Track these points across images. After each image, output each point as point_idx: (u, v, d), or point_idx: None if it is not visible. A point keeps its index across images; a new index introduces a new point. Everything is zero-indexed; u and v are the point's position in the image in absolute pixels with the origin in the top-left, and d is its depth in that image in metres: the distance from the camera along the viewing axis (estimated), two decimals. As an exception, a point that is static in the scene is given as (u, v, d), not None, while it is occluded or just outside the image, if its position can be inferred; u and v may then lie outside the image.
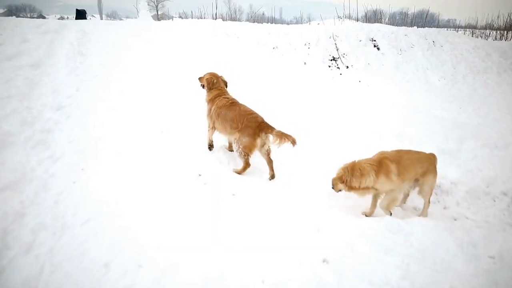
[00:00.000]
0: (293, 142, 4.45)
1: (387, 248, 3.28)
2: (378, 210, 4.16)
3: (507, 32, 17.29)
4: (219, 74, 5.29)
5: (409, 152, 4.13)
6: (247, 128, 4.51)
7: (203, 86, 5.26)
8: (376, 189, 3.94)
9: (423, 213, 4.15)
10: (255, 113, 4.73)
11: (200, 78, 5.29)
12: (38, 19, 12.11)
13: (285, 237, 3.32)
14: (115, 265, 2.85)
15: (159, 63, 8.21)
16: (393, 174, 3.84)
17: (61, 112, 5.52)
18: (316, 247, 3.20)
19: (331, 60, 11.93)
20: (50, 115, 5.36)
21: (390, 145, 5.58)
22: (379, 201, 4.10)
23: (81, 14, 14.33)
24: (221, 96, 4.96)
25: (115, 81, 6.80)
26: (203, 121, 5.19)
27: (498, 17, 19.55)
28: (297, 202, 4.01)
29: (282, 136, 4.47)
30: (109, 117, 5.46)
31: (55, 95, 6.01)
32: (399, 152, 4.07)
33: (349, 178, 3.87)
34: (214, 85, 5.08)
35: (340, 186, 3.96)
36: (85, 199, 3.63)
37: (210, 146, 5.08)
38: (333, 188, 4.05)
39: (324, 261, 3.06)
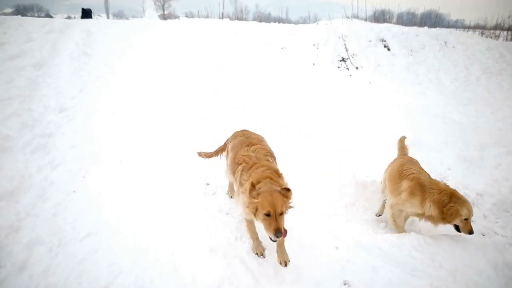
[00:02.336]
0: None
1: (414, 269, 2.99)
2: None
3: (519, 33, 16.86)
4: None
5: None
6: None
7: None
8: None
9: None
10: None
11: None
12: (44, 19, 11.94)
13: (302, 254, 3.04)
14: (116, 287, 2.59)
15: (165, 63, 7.96)
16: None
17: (63, 114, 5.28)
18: (336, 267, 2.92)
19: (340, 60, 11.63)
20: (51, 118, 5.11)
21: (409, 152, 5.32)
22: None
23: (87, 13, 14.15)
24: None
25: (120, 82, 6.56)
26: (212, 125, 4.90)
27: (509, 17, 19.04)
28: (313, 216, 3.72)
29: None
30: (112, 120, 5.22)
31: (58, 96, 5.78)
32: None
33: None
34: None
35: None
36: (86, 210, 3.38)
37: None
38: None
39: (345, 284, 2.79)
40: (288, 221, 3.50)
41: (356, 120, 6.79)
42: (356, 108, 7.60)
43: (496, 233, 3.83)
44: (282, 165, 4.45)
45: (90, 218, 3.26)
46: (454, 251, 3.15)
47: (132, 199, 3.58)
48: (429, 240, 3.26)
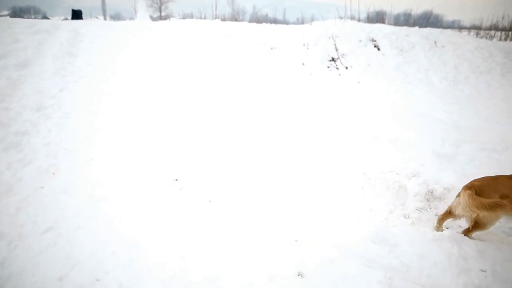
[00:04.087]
0: None
1: (370, 260, 3.03)
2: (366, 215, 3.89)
3: (512, 33, 16.92)
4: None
5: None
6: None
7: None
8: None
9: None
10: None
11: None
12: (33, 20, 12.00)
13: (258, 247, 3.08)
14: (71, 279, 2.64)
15: (152, 63, 8.03)
16: None
17: (40, 113, 5.32)
18: (292, 259, 2.96)
19: (330, 60, 11.67)
20: (28, 117, 5.15)
21: (386, 149, 5.38)
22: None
23: (77, 15, 14.20)
24: None
25: (102, 83, 6.62)
26: (189, 123, 4.94)
27: (503, 17, 19.10)
28: (276, 210, 3.76)
29: None
30: (89, 119, 5.27)
31: (38, 96, 5.82)
32: None
33: None
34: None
35: None
36: (50, 206, 3.43)
37: None
38: None
39: (299, 275, 2.82)
40: (251, 218, 3.57)
41: (344, 119, 6.85)
42: (344, 107, 7.66)
43: (460, 226, 3.86)
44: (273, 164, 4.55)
45: (53, 213, 3.31)
46: (412, 243, 3.18)
47: (98, 195, 3.62)
48: (388, 234, 3.30)
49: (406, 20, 27.53)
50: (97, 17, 32.10)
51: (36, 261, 2.76)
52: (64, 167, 4.08)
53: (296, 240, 3.23)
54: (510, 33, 17.16)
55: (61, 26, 9.56)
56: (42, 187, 3.73)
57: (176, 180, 4.02)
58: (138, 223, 3.27)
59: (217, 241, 3.14)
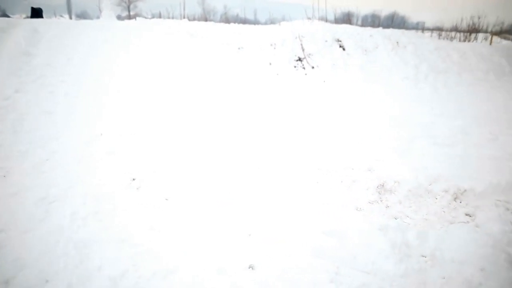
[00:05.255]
0: None
1: (320, 251, 3.17)
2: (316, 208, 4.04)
3: (470, 34, 17.85)
4: None
5: None
6: None
7: None
8: None
9: None
10: None
11: None
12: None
13: (211, 242, 3.15)
14: (18, 281, 2.60)
15: (114, 63, 7.89)
16: None
17: (-7, 115, 5.14)
18: (245, 253, 3.05)
19: (297, 60, 11.88)
20: (-21, 119, 4.97)
21: (344, 145, 5.59)
22: None
23: (37, 13, 13.66)
24: None
25: (60, 83, 6.44)
26: (152, 123, 4.93)
27: (462, 20, 20.14)
28: (230, 206, 3.84)
29: None
30: (45, 121, 5.13)
31: (-9, 97, 5.61)
32: None
33: None
34: None
35: None
36: (0, 208, 3.35)
37: None
38: None
39: (250, 267, 2.92)
40: (208, 213, 3.62)
41: (309, 117, 7.03)
42: (310, 105, 7.86)
43: (407, 216, 4.10)
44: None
45: (2, 217, 3.23)
46: (360, 233, 3.36)
47: (50, 197, 3.57)
48: (338, 225, 3.46)
49: (373, 21, 28.44)
50: (62, 16, 30.97)
51: (-19, 265, 2.71)
52: (16, 170, 3.97)
53: (250, 235, 3.32)
54: (468, 34, 18.09)
55: (19, 25, 9.20)
56: (-9, 190, 3.63)
57: (133, 179, 4.01)
58: (90, 223, 3.25)
59: (170, 237, 3.18)
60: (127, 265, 2.75)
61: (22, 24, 9.40)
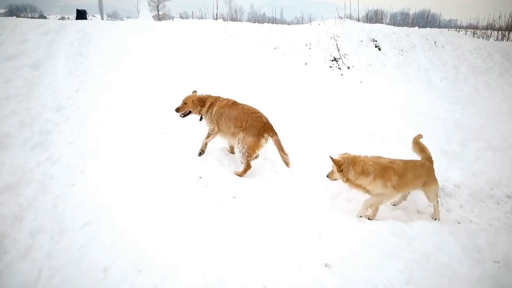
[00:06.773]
0: (286, 163, 4.61)
1: (390, 252, 3.23)
2: (381, 212, 4.10)
3: (508, 33, 17.18)
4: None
5: (414, 166, 4.00)
6: (251, 128, 4.44)
7: (185, 114, 4.84)
8: (367, 190, 3.86)
9: (435, 214, 4.10)
10: (259, 112, 4.65)
11: (181, 107, 4.79)
12: (39, 19, 12.06)
13: (286, 241, 3.27)
14: (115, 270, 2.80)
15: (160, 63, 8.15)
16: (391, 185, 3.76)
17: (60, 113, 5.48)
18: (318, 251, 3.15)
19: (332, 60, 11.87)
20: (49, 116, 5.32)
21: (393, 147, 5.56)
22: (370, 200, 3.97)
23: (81, 14, 14.27)
24: (219, 99, 4.78)
25: (116, 82, 6.75)
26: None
27: (499, 17, 19.40)
28: (298, 205, 3.96)
29: (280, 147, 4.54)
30: (109, 118, 5.41)
31: (55, 96, 5.97)
32: (406, 165, 3.91)
33: (347, 169, 3.80)
34: (206, 99, 4.81)
35: (337, 175, 3.88)
36: (84, 202, 3.59)
37: (202, 152, 4.72)
38: (328, 176, 3.99)
39: (326, 265, 3.02)
40: (276, 212, 3.76)
41: (347, 118, 7.04)
42: (347, 107, 7.86)
43: (471, 221, 4.09)
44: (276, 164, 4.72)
45: (89, 209, 3.47)
46: (429, 236, 3.39)
47: (128, 191, 3.78)
48: (405, 227, 3.51)
49: (403, 19, 27.86)
50: (94, 16, 32.04)
51: (81, 254, 2.93)
52: (91, 166, 4.23)
53: (320, 234, 3.41)
54: (506, 32, 17.43)
55: (69, 26, 9.66)
56: (73, 185, 3.89)
57: (200, 177, 4.18)
58: (167, 216, 3.44)
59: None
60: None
61: (71, 25, 9.87)
